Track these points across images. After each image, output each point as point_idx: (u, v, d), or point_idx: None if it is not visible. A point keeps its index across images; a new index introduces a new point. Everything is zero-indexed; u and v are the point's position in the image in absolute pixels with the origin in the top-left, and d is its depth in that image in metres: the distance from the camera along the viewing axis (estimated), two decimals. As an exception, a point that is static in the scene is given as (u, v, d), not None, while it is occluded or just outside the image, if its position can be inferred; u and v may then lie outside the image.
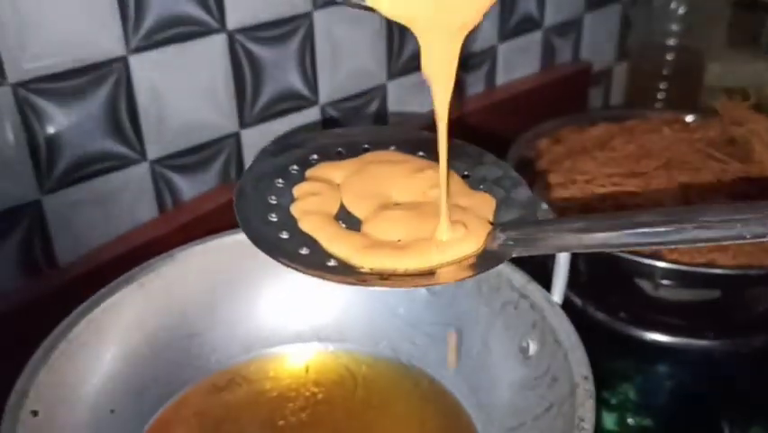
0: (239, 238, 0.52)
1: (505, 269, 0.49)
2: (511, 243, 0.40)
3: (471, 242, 0.40)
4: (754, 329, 0.63)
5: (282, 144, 0.47)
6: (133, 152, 0.59)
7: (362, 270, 0.39)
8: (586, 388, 0.40)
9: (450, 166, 0.41)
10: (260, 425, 0.50)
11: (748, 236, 0.34)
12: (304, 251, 0.40)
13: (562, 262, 0.47)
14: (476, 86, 0.84)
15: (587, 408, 0.39)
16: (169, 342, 0.50)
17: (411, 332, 0.53)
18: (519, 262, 0.50)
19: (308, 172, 0.45)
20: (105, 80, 0.56)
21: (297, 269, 0.39)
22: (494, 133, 0.76)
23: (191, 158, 0.63)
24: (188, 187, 0.64)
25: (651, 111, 0.78)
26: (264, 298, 0.54)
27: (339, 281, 0.38)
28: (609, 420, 0.55)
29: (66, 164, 0.56)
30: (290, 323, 0.55)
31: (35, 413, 0.40)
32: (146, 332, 0.49)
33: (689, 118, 0.75)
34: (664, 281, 0.60)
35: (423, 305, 0.53)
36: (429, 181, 0.44)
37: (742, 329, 0.63)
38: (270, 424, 0.50)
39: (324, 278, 0.38)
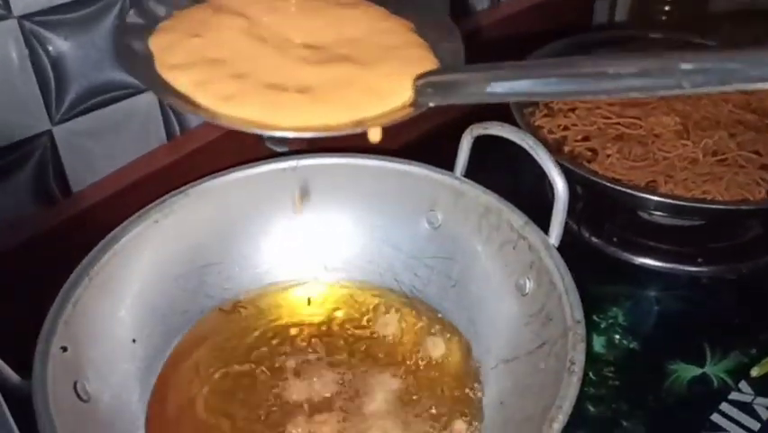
0: (250, 174, 0.54)
1: (504, 209, 0.51)
2: (430, 90, 0.39)
3: (402, 94, 0.38)
4: (741, 256, 0.65)
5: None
6: (140, 81, 0.60)
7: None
8: (578, 331, 0.43)
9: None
10: (270, 348, 0.53)
11: (687, 86, 0.31)
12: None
13: (561, 204, 0.48)
14: (481, 2, 0.83)
15: (578, 351, 0.42)
16: (184, 274, 0.53)
17: (413, 264, 0.56)
18: (518, 204, 0.52)
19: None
20: (109, 10, 0.55)
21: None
22: (499, 51, 0.76)
23: (197, 84, 0.63)
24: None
25: (653, 33, 0.77)
26: (274, 231, 0.56)
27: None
28: (598, 343, 0.58)
29: (74, 95, 0.56)
30: (299, 255, 0.57)
31: (64, 349, 0.43)
32: (162, 265, 0.51)
33: (695, 40, 0.75)
34: (657, 213, 0.62)
35: (425, 239, 0.55)
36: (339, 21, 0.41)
37: (730, 256, 0.65)
38: (277, 347, 0.53)
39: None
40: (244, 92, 0.37)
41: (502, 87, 0.36)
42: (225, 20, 0.41)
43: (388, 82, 0.39)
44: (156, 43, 0.40)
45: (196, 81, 0.38)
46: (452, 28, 0.43)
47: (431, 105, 0.38)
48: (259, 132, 0.36)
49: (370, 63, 0.40)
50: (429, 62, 0.41)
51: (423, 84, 0.39)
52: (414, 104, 0.39)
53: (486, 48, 0.79)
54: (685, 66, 0.31)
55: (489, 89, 0.37)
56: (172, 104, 0.38)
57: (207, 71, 0.38)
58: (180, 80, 0.38)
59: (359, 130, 0.38)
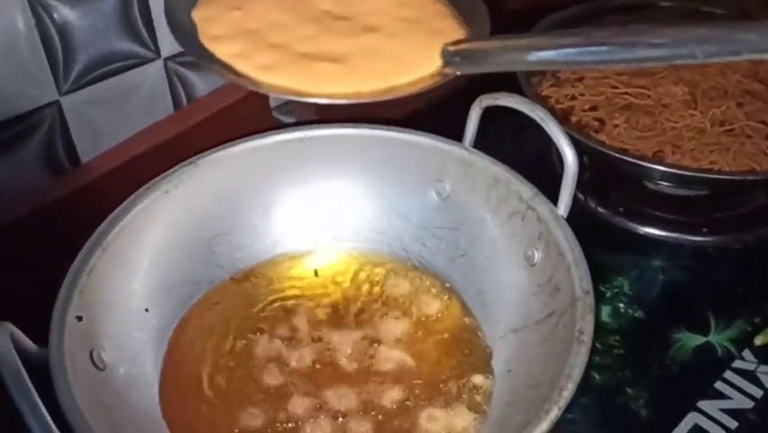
0: (259, 144, 0.54)
1: (513, 180, 0.51)
2: (457, 59, 0.40)
3: (431, 63, 0.40)
4: (747, 226, 0.65)
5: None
6: (147, 51, 0.59)
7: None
8: (587, 302, 0.43)
9: None
10: (279, 315, 0.54)
11: (700, 56, 0.33)
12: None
13: (570, 176, 0.49)
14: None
15: (587, 321, 0.42)
16: (195, 244, 0.53)
17: (422, 234, 0.56)
18: (524, 174, 0.52)
19: None
20: (116, -21, 0.55)
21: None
22: (509, 15, 0.75)
23: (204, 54, 0.63)
24: (202, 83, 0.64)
25: (663, 0, 0.77)
26: (283, 202, 0.57)
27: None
28: (604, 312, 0.59)
29: (82, 65, 0.56)
30: (308, 225, 0.58)
31: (80, 318, 0.44)
32: (173, 236, 0.52)
33: (706, 9, 0.74)
34: (664, 183, 0.62)
35: (433, 210, 0.56)
36: None
37: (735, 226, 0.65)
38: (287, 314, 0.54)
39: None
40: (281, 62, 0.39)
41: (526, 55, 0.38)
42: (264, 7, 0.43)
43: (417, 52, 0.40)
44: (199, 15, 0.42)
45: (236, 52, 0.40)
46: (479, 3, 0.45)
47: (458, 73, 0.40)
48: (295, 98, 0.39)
49: (400, 33, 0.41)
50: (456, 32, 0.42)
51: (450, 53, 0.40)
52: (442, 72, 0.40)
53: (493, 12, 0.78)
54: (698, 36, 0.33)
55: (512, 58, 0.39)
56: (216, 71, 0.40)
57: (247, 42, 0.40)
58: (222, 51, 0.40)
59: (389, 97, 0.39)
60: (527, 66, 0.39)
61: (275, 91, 0.39)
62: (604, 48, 0.35)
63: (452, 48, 0.40)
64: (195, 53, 0.41)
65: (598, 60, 0.37)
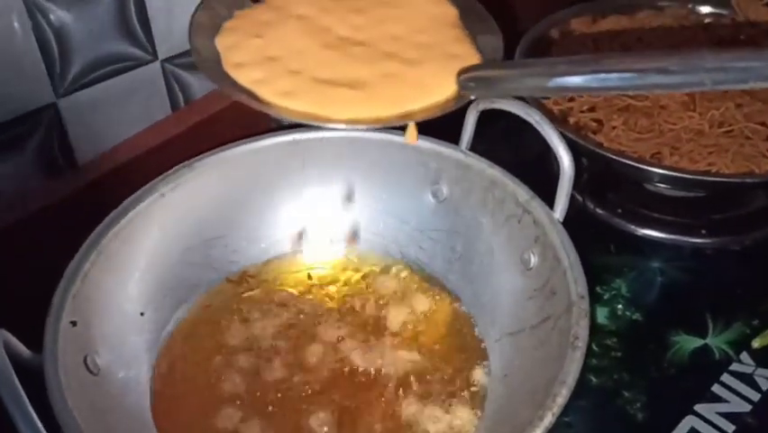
0: (255, 147, 0.54)
1: (510, 183, 0.51)
2: (472, 84, 0.41)
3: (446, 88, 0.41)
4: (745, 227, 0.65)
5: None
6: (144, 53, 0.59)
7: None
8: (582, 307, 0.43)
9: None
10: (274, 317, 0.54)
11: (709, 84, 0.34)
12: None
13: (566, 179, 0.49)
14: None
15: (582, 326, 0.42)
16: (191, 247, 0.53)
17: (418, 237, 0.56)
18: (521, 177, 0.52)
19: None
20: (111, -18, 0.55)
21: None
22: (512, 16, 0.75)
23: (201, 55, 0.63)
24: (199, 85, 0.64)
25: (661, 1, 0.76)
26: (279, 204, 0.56)
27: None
28: (602, 314, 0.59)
29: (78, 67, 0.56)
30: (304, 228, 0.57)
31: (74, 323, 0.44)
32: (169, 239, 0.52)
33: (703, 9, 0.74)
34: (662, 185, 0.62)
35: (430, 212, 0.56)
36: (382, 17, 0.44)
37: (734, 227, 0.65)
38: (282, 316, 0.54)
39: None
40: (301, 88, 0.41)
41: (539, 81, 0.40)
42: (283, 21, 0.44)
43: (433, 77, 0.41)
44: (222, 43, 0.43)
45: (258, 79, 0.41)
46: (490, 21, 0.46)
47: (473, 97, 0.41)
48: (316, 124, 0.41)
49: (417, 60, 0.42)
50: (472, 57, 0.43)
51: (465, 78, 0.41)
52: (458, 96, 0.41)
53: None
54: (708, 65, 0.34)
55: (526, 84, 0.40)
56: (237, 98, 0.42)
57: (267, 69, 0.42)
58: (244, 77, 0.42)
59: (406, 122, 0.41)
60: (541, 92, 0.42)
61: (295, 117, 0.40)
62: (615, 76, 0.36)
63: (467, 73, 0.41)
64: (218, 80, 0.42)
65: (610, 87, 0.38)
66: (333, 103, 0.41)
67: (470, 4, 0.46)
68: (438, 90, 0.42)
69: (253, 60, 0.42)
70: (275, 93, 0.41)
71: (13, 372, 0.36)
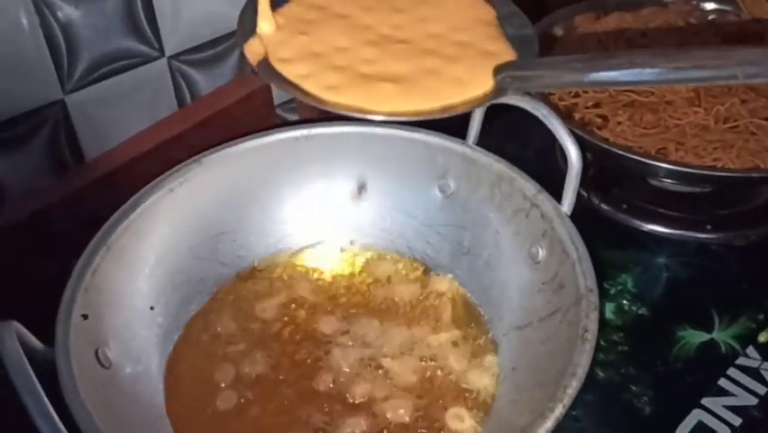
0: (263, 142, 0.54)
1: (517, 177, 0.51)
2: (508, 80, 0.43)
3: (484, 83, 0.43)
4: (750, 222, 0.65)
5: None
6: (151, 49, 0.60)
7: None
8: (591, 300, 0.43)
9: None
10: (282, 311, 0.54)
11: (741, 77, 0.35)
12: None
13: (574, 173, 0.49)
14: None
15: (591, 319, 0.42)
16: (199, 241, 0.54)
17: (426, 232, 0.56)
18: (526, 171, 0.53)
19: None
20: (118, -23, 0.55)
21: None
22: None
23: (207, 52, 0.63)
24: (205, 81, 0.65)
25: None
26: (287, 199, 0.57)
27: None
28: (608, 309, 0.59)
29: (86, 63, 0.56)
30: (312, 222, 0.58)
31: (85, 317, 0.44)
32: (178, 234, 0.52)
33: (707, 6, 0.74)
34: (667, 180, 0.62)
35: (437, 207, 0.56)
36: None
37: (739, 223, 0.65)
38: (290, 309, 0.54)
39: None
40: (345, 82, 0.43)
41: (573, 76, 0.41)
42: (326, 20, 0.47)
43: (471, 73, 0.43)
44: (268, 39, 0.45)
45: (304, 73, 0.43)
46: (525, 20, 0.48)
47: (509, 92, 0.43)
48: (359, 116, 0.42)
49: (455, 56, 0.44)
50: (507, 53, 0.45)
51: (502, 74, 0.43)
52: (494, 91, 0.43)
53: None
54: (740, 59, 0.35)
55: (560, 79, 0.42)
56: (286, 90, 0.44)
57: (313, 64, 0.44)
58: (291, 72, 0.44)
59: (446, 115, 0.43)
60: (575, 86, 0.44)
61: (340, 109, 0.42)
62: (649, 71, 0.37)
63: (503, 69, 0.43)
64: (266, 74, 0.44)
65: (645, 81, 0.40)
66: (376, 96, 0.43)
67: (505, 4, 0.50)
68: (476, 85, 0.44)
69: (299, 56, 0.45)
70: (320, 87, 0.43)
71: (27, 363, 0.36)
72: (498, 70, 0.43)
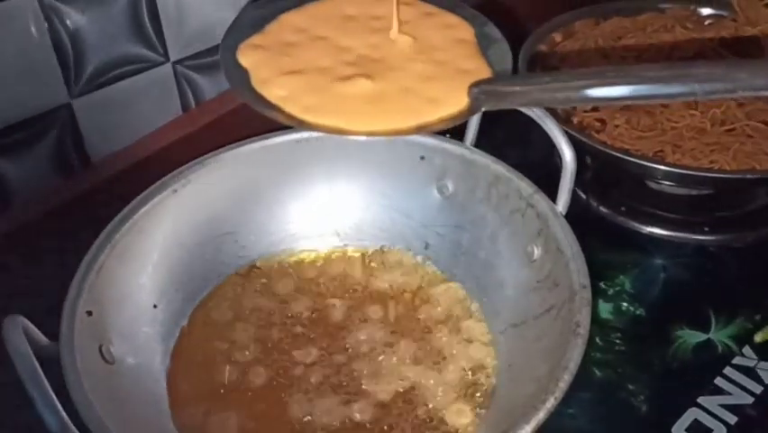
0: (265, 145, 0.55)
1: (514, 178, 0.52)
2: (483, 97, 0.44)
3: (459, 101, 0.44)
4: (748, 225, 0.66)
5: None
6: (156, 54, 0.61)
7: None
8: (584, 296, 0.44)
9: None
10: (283, 309, 0.55)
11: (699, 94, 0.36)
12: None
13: (568, 173, 0.50)
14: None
15: (583, 314, 0.43)
16: (202, 241, 0.55)
17: (425, 232, 0.57)
18: (526, 173, 0.53)
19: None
20: (125, -15, 0.56)
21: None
22: (515, 18, 0.76)
23: (211, 57, 0.65)
24: (209, 86, 0.66)
25: (663, 3, 0.77)
26: (288, 201, 0.58)
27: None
28: (606, 310, 0.59)
29: (93, 68, 0.58)
30: (312, 223, 0.59)
31: (89, 313, 0.45)
32: (181, 233, 0.53)
33: (704, 11, 0.75)
34: (665, 182, 0.63)
35: (436, 208, 0.57)
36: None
37: (736, 225, 0.66)
38: (291, 307, 0.55)
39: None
40: (324, 103, 0.44)
41: (548, 94, 0.42)
42: (306, 42, 0.48)
43: (445, 92, 0.44)
44: (249, 60, 0.46)
45: (283, 95, 0.44)
46: (500, 37, 0.49)
47: (484, 109, 0.44)
48: (338, 135, 0.43)
49: (431, 75, 0.46)
50: (483, 72, 0.46)
51: (476, 93, 0.44)
52: (469, 109, 0.44)
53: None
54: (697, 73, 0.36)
55: (535, 97, 0.43)
56: (265, 113, 0.44)
57: (293, 85, 0.45)
58: (271, 93, 0.44)
59: (422, 132, 0.45)
60: (550, 103, 0.46)
61: (319, 130, 0.43)
62: (614, 85, 0.38)
63: (477, 87, 0.44)
64: (246, 96, 0.44)
65: (610, 98, 0.40)
66: (355, 117, 0.43)
67: (481, 22, 0.50)
68: (451, 104, 0.44)
69: (279, 78, 0.45)
70: (300, 108, 0.44)
71: (33, 356, 0.37)
72: (472, 88, 0.44)
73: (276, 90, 0.45)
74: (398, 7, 0.48)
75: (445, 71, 0.46)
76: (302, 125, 0.43)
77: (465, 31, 0.49)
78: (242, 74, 0.45)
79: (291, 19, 0.49)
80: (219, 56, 0.47)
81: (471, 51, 0.48)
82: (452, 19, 0.50)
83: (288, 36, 0.48)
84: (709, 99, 0.37)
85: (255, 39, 0.48)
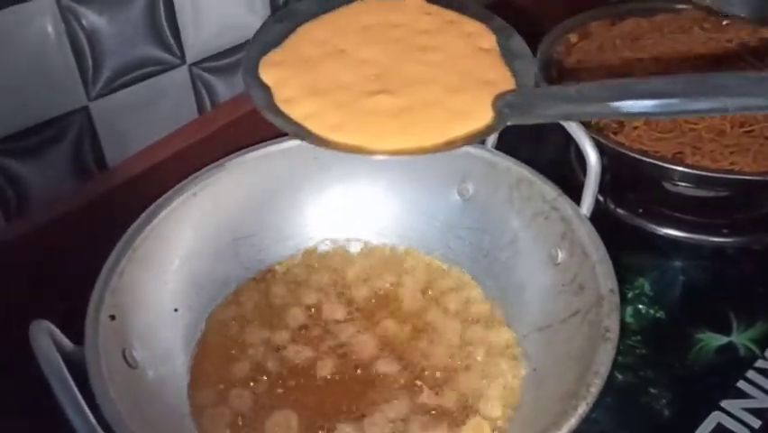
0: (284, 147, 0.55)
1: (537, 181, 0.52)
2: (507, 110, 0.43)
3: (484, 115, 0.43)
4: (766, 227, 0.66)
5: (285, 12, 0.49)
6: (173, 57, 0.61)
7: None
8: (612, 300, 0.44)
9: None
10: (301, 313, 0.55)
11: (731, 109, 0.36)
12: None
13: (593, 176, 0.49)
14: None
15: (613, 319, 0.43)
16: (221, 244, 0.54)
17: (446, 235, 0.57)
18: (549, 175, 0.53)
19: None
20: (142, -14, 0.56)
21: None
22: (530, 21, 0.76)
23: (227, 59, 0.64)
24: (225, 88, 0.66)
25: (680, 3, 0.77)
26: (307, 203, 0.57)
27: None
28: (625, 313, 0.59)
29: (110, 71, 0.57)
30: (331, 226, 0.58)
31: (113, 317, 0.45)
32: (201, 236, 0.53)
33: (722, 15, 0.75)
34: (684, 184, 0.63)
35: (457, 210, 0.56)
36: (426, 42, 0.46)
37: (755, 227, 0.65)
38: (306, 314, 0.55)
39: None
40: (348, 121, 0.42)
41: (574, 107, 0.41)
42: (326, 56, 0.47)
43: (471, 106, 0.43)
44: (271, 77, 0.45)
45: (308, 113, 0.43)
46: (523, 45, 0.48)
47: (509, 123, 0.42)
48: (363, 155, 0.42)
49: (455, 87, 0.44)
50: (506, 83, 0.45)
51: (501, 105, 0.43)
52: (495, 122, 0.43)
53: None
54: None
55: (560, 110, 0.42)
56: (291, 134, 0.43)
57: (316, 103, 0.43)
58: (295, 112, 0.43)
59: (448, 149, 0.42)
60: (576, 117, 0.45)
61: (344, 149, 0.42)
62: (643, 102, 0.37)
63: (502, 99, 0.43)
64: (271, 115, 0.43)
65: (632, 114, 0.39)
66: (379, 135, 0.42)
67: (505, 29, 0.49)
68: (477, 118, 0.43)
69: (302, 95, 0.44)
70: (324, 127, 0.43)
71: (60, 359, 0.37)
72: (497, 100, 0.43)
73: (299, 109, 0.44)
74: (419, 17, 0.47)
75: (469, 82, 0.45)
76: (327, 145, 0.42)
77: (487, 39, 0.48)
78: (265, 92, 0.45)
79: (310, 32, 0.48)
80: (241, 74, 0.46)
81: (494, 61, 0.47)
82: (473, 27, 0.49)
83: (307, 50, 0.47)
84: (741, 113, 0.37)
85: (275, 55, 0.47)
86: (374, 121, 0.42)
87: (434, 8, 0.50)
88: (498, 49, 0.48)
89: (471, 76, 0.45)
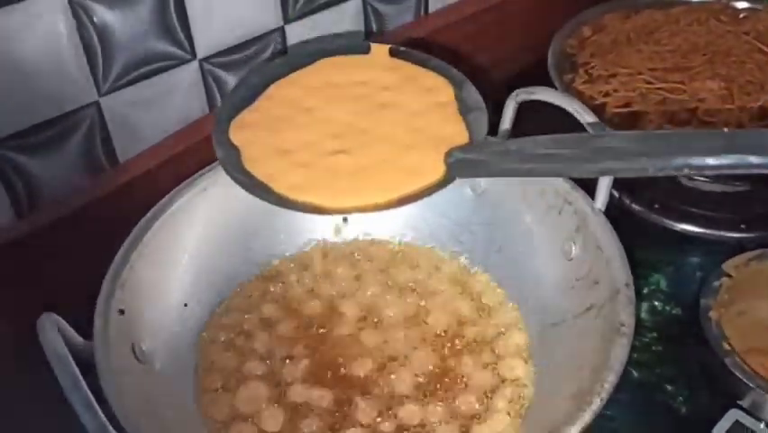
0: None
1: (550, 175, 0.51)
2: (457, 165, 0.44)
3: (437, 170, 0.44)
4: (784, 222, 0.65)
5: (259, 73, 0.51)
6: (184, 52, 0.60)
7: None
8: (627, 294, 0.43)
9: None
10: (314, 313, 0.55)
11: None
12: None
13: (607, 169, 0.48)
14: (401, 16, 0.78)
15: (628, 313, 0.42)
16: (231, 240, 0.54)
17: (458, 230, 0.57)
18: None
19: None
20: (153, -19, 0.56)
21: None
22: (545, 12, 0.76)
23: (238, 54, 0.64)
24: (235, 83, 0.65)
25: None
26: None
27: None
28: (641, 309, 0.58)
29: (121, 66, 0.57)
30: (342, 222, 0.58)
31: (122, 312, 0.44)
32: (211, 231, 0.53)
33: (739, 4, 0.73)
34: (700, 178, 0.62)
35: (469, 205, 0.56)
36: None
37: (773, 221, 0.65)
38: (317, 310, 0.55)
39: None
40: (308, 181, 0.44)
41: (512, 164, 0.42)
42: (294, 115, 0.49)
43: (424, 163, 0.45)
44: (239, 138, 0.47)
45: (271, 173, 0.45)
46: (479, 101, 0.49)
47: (458, 178, 0.44)
48: (320, 214, 0.44)
49: (409, 144, 0.46)
50: (460, 137, 0.46)
51: (452, 161, 0.44)
52: (445, 178, 0.44)
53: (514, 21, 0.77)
54: None
55: (510, 167, 0.43)
56: (252, 193, 0.45)
57: (280, 163, 0.45)
58: (260, 172, 0.45)
59: (401, 206, 0.44)
60: (524, 174, 0.45)
61: (303, 210, 0.44)
62: (574, 162, 0.38)
63: (453, 155, 0.44)
64: (237, 176, 0.45)
65: (572, 172, 0.41)
66: (336, 195, 0.44)
67: (462, 81, 0.50)
68: (428, 174, 0.44)
69: (268, 155, 0.46)
70: (287, 186, 0.44)
71: (68, 353, 0.37)
72: (448, 155, 0.44)
73: (264, 168, 0.45)
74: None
75: (423, 139, 0.46)
76: (287, 205, 0.44)
77: (445, 93, 0.49)
78: (234, 153, 0.46)
79: (281, 91, 0.50)
80: (212, 134, 0.47)
81: (450, 115, 0.48)
82: (432, 81, 0.50)
83: (276, 110, 0.49)
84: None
85: (246, 116, 0.48)
86: (332, 181, 0.44)
87: (398, 62, 0.51)
88: (455, 102, 0.48)
89: (426, 132, 0.47)
